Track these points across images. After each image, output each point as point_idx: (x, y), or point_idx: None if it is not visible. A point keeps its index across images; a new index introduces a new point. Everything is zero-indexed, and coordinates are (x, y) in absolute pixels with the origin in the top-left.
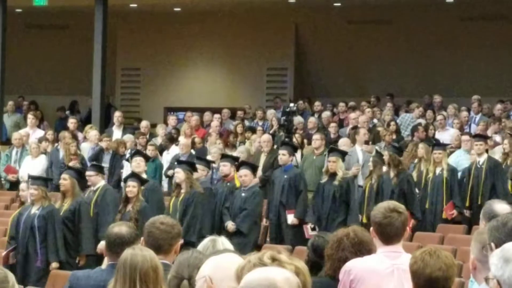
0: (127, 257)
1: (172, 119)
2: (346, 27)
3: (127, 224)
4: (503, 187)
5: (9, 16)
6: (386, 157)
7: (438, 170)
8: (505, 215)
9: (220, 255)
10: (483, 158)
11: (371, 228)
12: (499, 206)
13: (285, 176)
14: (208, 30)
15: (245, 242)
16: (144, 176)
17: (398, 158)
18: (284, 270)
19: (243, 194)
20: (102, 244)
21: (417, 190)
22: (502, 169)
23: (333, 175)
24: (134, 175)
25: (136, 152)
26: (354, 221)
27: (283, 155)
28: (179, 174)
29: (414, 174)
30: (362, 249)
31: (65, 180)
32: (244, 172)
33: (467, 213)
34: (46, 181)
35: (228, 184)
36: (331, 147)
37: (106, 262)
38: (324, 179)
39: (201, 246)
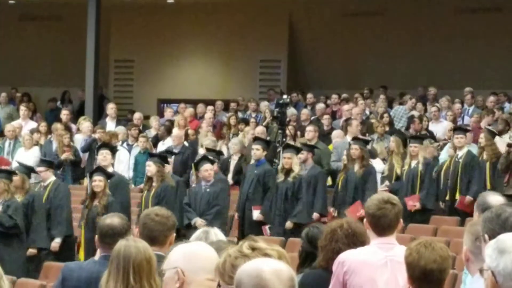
0: (120, 248)
1: (169, 112)
2: (340, 19)
3: (119, 215)
4: (478, 182)
5: (2, 8)
6: (392, 143)
7: (413, 163)
8: (499, 207)
9: (190, 244)
10: (462, 152)
11: (365, 220)
12: (493, 198)
13: (255, 172)
14: (202, 22)
15: None
16: (111, 169)
17: (367, 151)
18: (277, 262)
19: (208, 190)
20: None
21: (387, 183)
22: (478, 163)
23: (289, 172)
24: (99, 169)
25: (102, 145)
26: (303, 219)
27: (256, 150)
28: (150, 168)
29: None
30: (356, 240)
31: (15, 176)
32: (206, 166)
33: (442, 205)
34: (10, 174)
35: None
36: (286, 143)
37: (98, 253)
38: (281, 178)
39: (194, 237)
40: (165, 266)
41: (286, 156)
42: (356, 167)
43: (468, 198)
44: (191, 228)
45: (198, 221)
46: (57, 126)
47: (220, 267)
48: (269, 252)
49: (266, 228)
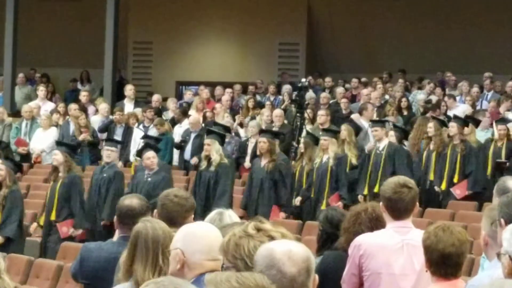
0: (148, 231)
1: (188, 94)
2: (359, 2)
3: (138, 196)
4: (405, 174)
5: None
6: (344, 131)
7: (324, 158)
8: None
9: (191, 225)
10: (383, 144)
11: (381, 203)
12: None
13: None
14: (221, 4)
15: None
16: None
17: (275, 144)
18: (294, 243)
19: (149, 179)
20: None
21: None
22: (403, 154)
23: (211, 160)
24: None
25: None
26: (223, 206)
27: (263, 143)
28: (57, 157)
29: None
30: (378, 224)
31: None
32: (149, 154)
33: (361, 199)
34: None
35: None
36: (208, 128)
37: (117, 234)
38: (204, 165)
39: (208, 219)
40: (171, 245)
41: (206, 142)
42: (263, 161)
43: None
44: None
45: None
46: (71, 106)
47: (224, 245)
48: (274, 234)
49: None
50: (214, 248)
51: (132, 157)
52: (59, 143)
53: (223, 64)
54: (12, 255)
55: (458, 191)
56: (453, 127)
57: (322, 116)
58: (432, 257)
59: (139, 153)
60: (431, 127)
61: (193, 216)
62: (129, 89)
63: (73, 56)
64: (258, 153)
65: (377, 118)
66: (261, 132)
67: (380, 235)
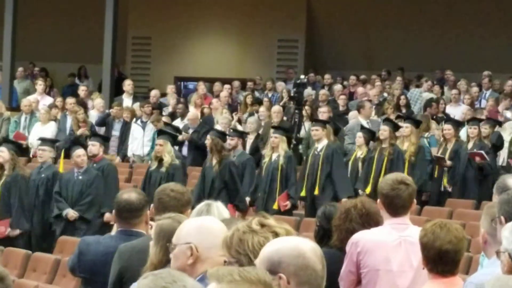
0: (170, 228)
1: (201, 88)
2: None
3: (137, 190)
4: (341, 175)
5: None
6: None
7: (274, 156)
8: None
9: (202, 219)
10: (321, 145)
11: (378, 200)
12: None
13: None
14: (220, 0)
15: (90, 229)
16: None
17: (221, 144)
18: (309, 240)
19: (80, 177)
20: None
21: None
22: (341, 155)
23: (162, 161)
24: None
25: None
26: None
27: (275, 138)
28: (3, 154)
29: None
30: (370, 220)
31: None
32: (79, 152)
33: (301, 204)
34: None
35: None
36: (160, 129)
37: (115, 228)
38: (154, 165)
39: (195, 210)
40: (176, 240)
41: (158, 142)
42: (214, 160)
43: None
44: (62, 220)
45: (70, 212)
46: (69, 101)
47: (228, 240)
48: (278, 230)
49: None
50: None
51: (129, 153)
52: (5, 141)
53: (222, 60)
54: (9, 249)
55: None
56: (385, 131)
57: (324, 113)
58: (429, 254)
59: (68, 151)
60: (385, 130)
61: (189, 211)
62: (127, 84)
63: (71, 51)
64: (269, 147)
65: (318, 118)
66: (273, 128)
67: (378, 232)
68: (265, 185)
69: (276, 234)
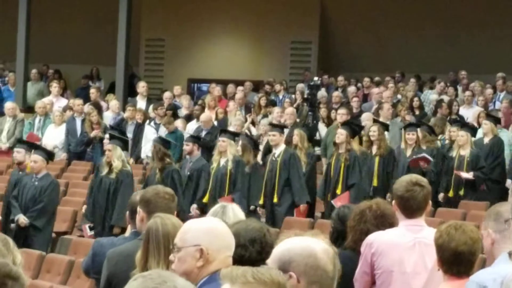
0: (158, 227)
1: (216, 90)
2: (372, 1)
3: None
4: (299, 182)
5: None
6: (296, 136)
7: (222, 161)
8: None
9: (207, 221)
10: (279, 150)
11: (393, 202)
12: None
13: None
14: (234, 2)
15: (41, 237)
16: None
17: (163, 151)
18: (320, 240)
19: (36, 183)
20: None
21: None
22: (298, 161)
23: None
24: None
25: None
26: (119, 220)
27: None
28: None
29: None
30: (384, 221)
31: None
32: (34, 157)
33: (260, 211)
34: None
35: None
36: (109, 133)
37: (129, 230)
38: (104, 171)
39: (211, 212)
40: (181, 243)
41: (107, 148)
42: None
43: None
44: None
45: (20, 218)
46: (76, 102)
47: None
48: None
49: (86, 227)
50: (233, 243)
51: (143, 154)
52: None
53: (235, 62)
54: (24, 250)
55: (339, 203)
56: (341, 135)
57: (344, 115)
58: (444, 256)
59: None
60: (375, 130)
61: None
62: (141, 86)
63: (85, 53)
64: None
65: (277, 123)
66: (343, 124)
67: (392, 233)
68: (213, 191)
69: None
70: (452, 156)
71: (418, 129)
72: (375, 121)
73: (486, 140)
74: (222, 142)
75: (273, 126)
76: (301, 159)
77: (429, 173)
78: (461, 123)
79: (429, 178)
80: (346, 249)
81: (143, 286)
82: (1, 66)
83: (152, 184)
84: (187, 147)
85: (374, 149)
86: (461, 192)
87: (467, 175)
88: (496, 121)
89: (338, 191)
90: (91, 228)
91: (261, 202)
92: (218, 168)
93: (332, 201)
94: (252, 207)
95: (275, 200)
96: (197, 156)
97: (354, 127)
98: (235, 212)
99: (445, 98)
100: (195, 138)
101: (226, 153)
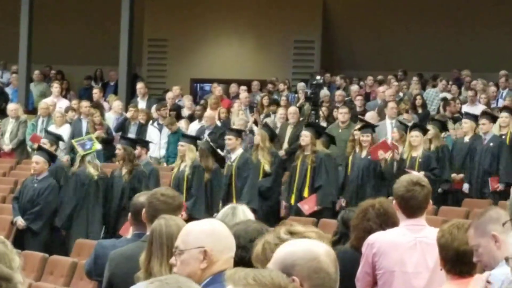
0: (162, 228)
1: (218, 90)
2: (374, 0)
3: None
4: (250, 187)
5: None
6: (257, 136)
7: (182, 166)
8: None
9: (208, 223)
10: (235, 155)
11: (394, 201)
12: None
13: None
14: (236, 1)
15: (37, 240)
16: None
17: (134, 153)
18: (323, 243)
19: (35, 185)
20: None
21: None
22: (252, 166)
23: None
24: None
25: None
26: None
27: (305, 137)
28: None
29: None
30: (387, 220)
31: (120, 150)
32: (35, 158)
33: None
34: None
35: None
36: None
37: (131, 231)
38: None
39: (221, 213)
40: (184, 245)
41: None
42: (124, 170)
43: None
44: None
45: (18, 220)
46: (83, 104)
47: (261, 255)
48: (309, 234)
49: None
50: (234, 244)
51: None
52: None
53: (238, 62)
54: (27, 252)
55: (306, 206)
56: (306, 137)
57: (346, 114)
58: (447, 255)
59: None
60: (306, 136)
61: (181, 215)
62: (139, 87)
63: (88, 54)
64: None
65: (233, 128)
66: (307, 125)
67: (393, 233)
68: None
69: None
70: (403, 158)
71: (430, 126)
72: (361, 120)
73: (466, 139)
74: (181, 146)
75: (230, 130)
76: (265, 159)
77: (386, 171)
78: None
79: (385, 176)
80: (349, 248)
81: None
82: (15, 69)
83: (117, 186)
84: (135, 151)
85: (364, 153)
86: None
87: (418, 174)
88: (493, 119)
89: (305, 194)
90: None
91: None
92: (178, 172)
93: (298, 204)
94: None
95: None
96: (145, 160)
97: (318, 128)
98: (246, 213)
99: (448, 96)
100: (145, 142)
101: (185, 157)
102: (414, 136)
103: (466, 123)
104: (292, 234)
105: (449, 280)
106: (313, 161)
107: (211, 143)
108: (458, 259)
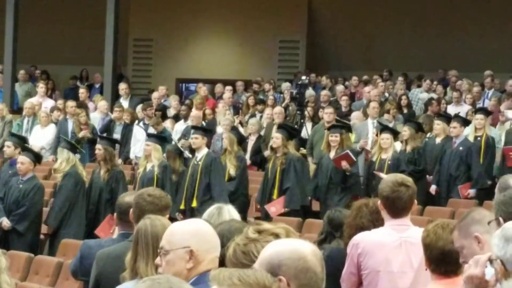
0: (147, 228)
1: (203, 90)
2: (359, 0)
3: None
4: (220, 187)
5: None
6: (225, 140)
7: (149, 166)
8: None
9: (193, 223)
10: (201, 154)
11: (379, 202)
12: None
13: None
14: (221, 1)
15: (22, 242)
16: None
17: (114, 153)
18: (308, 242)
19: (20, 186)
20: None
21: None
22: (219, 165)
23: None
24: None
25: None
26: (52, 221)
27: (195, 139)
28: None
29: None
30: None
31: (100, 151)
32: (20, 159)
33: (178, 216)
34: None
35: None
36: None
37: (116, 231)
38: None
39: (206, 213)
40: (169, 246)
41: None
42: (102, 170)
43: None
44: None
45: (3, 221)
46: (69, 104)
47: (232, 257)
48: (277, 230)
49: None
50: (219, 244)
51: (132, 155)
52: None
53: (224, 62)
54: (12, 252)
55: (273, 208)
56: (277, 139)
57: (331, 114)
58: (432, 255)
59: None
60: (278, 137)
61: (168, 215)
62: (121, 89)
63: (73, 53)
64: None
65: (201, 126)
66: (279, 127)
67: (378, 233)
68: None
69: (276, 236)
70: (373, 160)
71: (406, 127)
72: (338, 121)
73: (438, 140)
74: (147, 146)
75: (196, 129)
76: (231, 163)
77: (351, 176)
78: (447, 117)
79: (351, 180)
80: (341, 246)
81: None
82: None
83: (96, 186)
84: (147, 147)
85: (333, 153)
86: None
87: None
88: (464, 122)
89: (275, 196)
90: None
91: (182, 207)
92: (145, 173)
93: (265, 206)
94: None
95: (194, 204)
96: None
97: (290, 130)
98: (231, 213)
99: (434, 96)
100: (92, 142)
101: (151, 157)
102: (385, 138)
103: (439, 125)
104: (260, 232)
105: (434, 280)
106: (283, 163)
107: (179, 145)
108: (443, 259)
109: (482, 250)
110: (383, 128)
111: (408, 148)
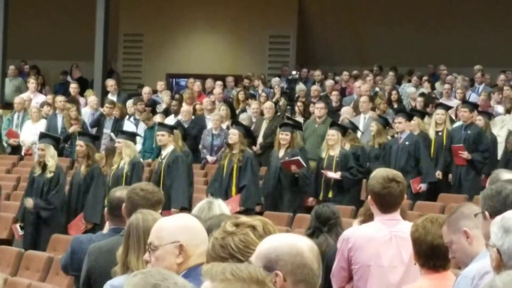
0: (138, 222)
1: (196, 85)
2: None
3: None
4: (178, 185)
5: None
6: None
7: (122, 163)
8: (500, 184)
9: (181, 218)
10: (166, 151)
11: (369, 197)
12: (507, 175)
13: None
14: None
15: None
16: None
17: (94, 150)
18: (305, 238)
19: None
20: None
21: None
22: (183, 163)
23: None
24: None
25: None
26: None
27: (162, 136)
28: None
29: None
30: None
31: (82, 147)
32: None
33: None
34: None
35: None
36: (41, 132)
37: (107, 226)
38: (38, 171)
39: (197, 208)
40: (158, 241)
41: (40, 147)
42: (82, 166)
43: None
44: None
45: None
46: (59, 99)
47: (211, 252)
48: (254, 223)
49: (17, 227)
50: (207, 238)
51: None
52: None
53: (214, 57)
54: (2, 247)
55: (230, 206)
56: (234, 135)
57: (322, 109)
58: (421, 250)
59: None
60: (234, 134)
61: (160, 210)
62: (110, 84)
63: (63, 49)
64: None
65: (164, 123)
66: (237, 124)
67: (368, 228)
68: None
69: (253, 228)
70: (321, 157)
71: (373, 122)
72: (289, 118)
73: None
74: (118, 143)
75: (162, 125)
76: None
77: (301, 177)
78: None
79: (300, 182)
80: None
81: (143, 282)
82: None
83: (76, 181)
84: (118, 144)
85: (282, 152)
86: (330, 194)
87: (334, 175)
88: (409, 117)
89: (233, 194)
90: (21, 228)
91: None
92: (117, 170)
93: None
94: None
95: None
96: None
97: (247, 127)
98: (222, 208)
99: (425, 91)
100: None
101: (122, 154)
102: (331, 135)
103: (414, 121)
104: (238, 225)
105: (423, 275)
106: (240, 160)
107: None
108: (432, 253)
109: (471, 245)
110: (331, 124)
111: (375, 144)
